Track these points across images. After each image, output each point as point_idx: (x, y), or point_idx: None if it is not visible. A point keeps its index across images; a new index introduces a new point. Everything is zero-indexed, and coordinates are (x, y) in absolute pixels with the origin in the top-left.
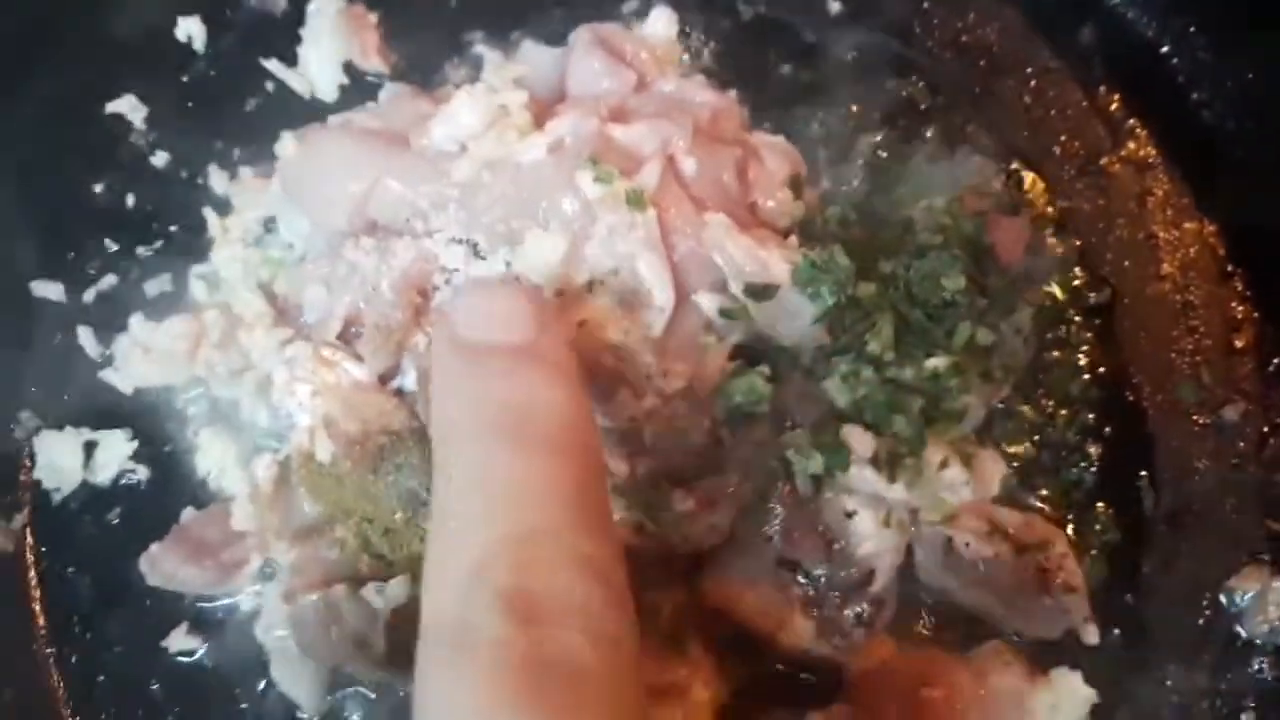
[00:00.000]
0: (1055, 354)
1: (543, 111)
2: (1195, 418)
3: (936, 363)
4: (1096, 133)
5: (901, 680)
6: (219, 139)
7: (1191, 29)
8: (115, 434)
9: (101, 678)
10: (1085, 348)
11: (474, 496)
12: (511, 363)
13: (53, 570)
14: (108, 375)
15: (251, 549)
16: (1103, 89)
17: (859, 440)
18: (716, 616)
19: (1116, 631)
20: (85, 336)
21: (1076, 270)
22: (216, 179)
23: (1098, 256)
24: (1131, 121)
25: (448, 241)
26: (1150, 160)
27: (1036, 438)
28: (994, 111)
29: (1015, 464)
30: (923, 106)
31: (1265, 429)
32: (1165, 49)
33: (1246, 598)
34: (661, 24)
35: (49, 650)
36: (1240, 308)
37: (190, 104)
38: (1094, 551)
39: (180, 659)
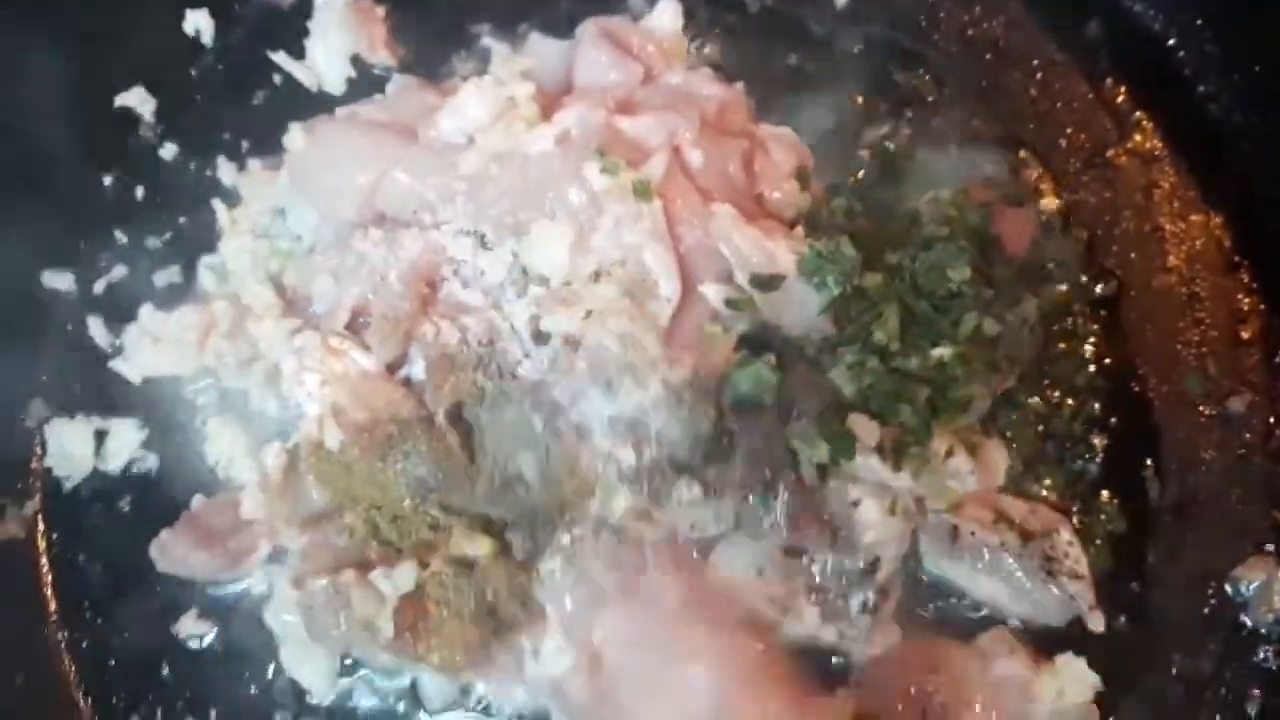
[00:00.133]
0: (1061, 345)
1: (550, 103)
2: (1201, 409)
3: (942, 353)
4: (1103, 125)
5: (907, 668)
6: (227, 131)
7: (1198, 22)
8: (126, 422)
9: (112, 662)
10: (1091, 339)
11: None
12: None
13: (64, 557)
14: (118, 365)
15: (260, 536)
16: (1109, 81)
17: (865, 429)
18: (723, 603)
19: (1122, 619)
20: (95, 326)
21: (1082, 261)
22: (225, 171)
23: (1104, 248)
24: (1138, 114)
25: (455, 233)
26: (1156, 152)
27: (1042, 428)
28: (1000, 104)
29: (1021, 453)
30: (929, 99)
31: (1271, 420)
32: (1171, 42)
33: (1252, 587)
34: (668, 17)
35: (60, 635)
36: (1246, 299)
37: (199, 97)
38: (1099, 541)
39: (190, 644)
